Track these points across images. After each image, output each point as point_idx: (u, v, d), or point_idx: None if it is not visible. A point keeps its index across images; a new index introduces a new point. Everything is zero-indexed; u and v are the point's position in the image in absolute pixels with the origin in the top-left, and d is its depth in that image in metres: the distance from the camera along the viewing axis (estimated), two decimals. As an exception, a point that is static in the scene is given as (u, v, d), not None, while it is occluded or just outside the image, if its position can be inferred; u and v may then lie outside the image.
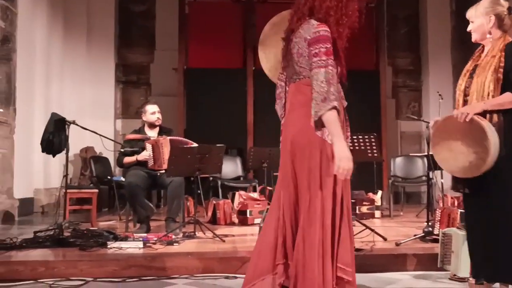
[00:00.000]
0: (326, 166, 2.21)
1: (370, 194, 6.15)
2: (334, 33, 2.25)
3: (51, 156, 4.92)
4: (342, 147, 2.16)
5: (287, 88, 2.42)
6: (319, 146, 2.22)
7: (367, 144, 5.10)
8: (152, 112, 4.89)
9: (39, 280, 3.19)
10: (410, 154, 7.45)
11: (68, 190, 4.89)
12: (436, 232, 3.94)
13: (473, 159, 2.51)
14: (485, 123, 2.51)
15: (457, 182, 2.70)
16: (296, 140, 2.28)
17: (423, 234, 4.03)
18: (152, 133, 4.91)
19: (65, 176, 4.67)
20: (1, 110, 6.07)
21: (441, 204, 4.87)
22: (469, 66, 2.73)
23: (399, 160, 7.17)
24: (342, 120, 2.27)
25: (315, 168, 2.22)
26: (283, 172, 2.35)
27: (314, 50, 2.21)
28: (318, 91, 2.17)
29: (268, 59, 2.51)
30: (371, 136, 5.16)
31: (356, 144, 4.95)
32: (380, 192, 6.38)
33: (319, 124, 2.19)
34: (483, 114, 2.55)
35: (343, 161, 2.14)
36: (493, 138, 2.47)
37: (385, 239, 4.11)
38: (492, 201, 2.56)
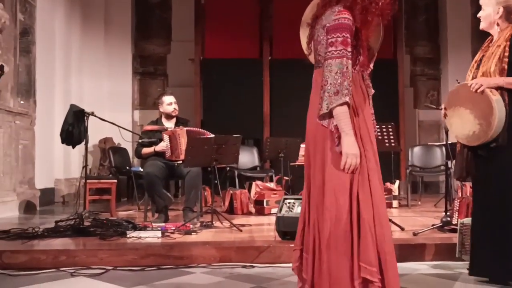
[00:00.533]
0: (337, 159, 2.13)
1: (388, 184, 6.12)
2: (359, 22, 2.15)
3: (71, 147, 5.00)
4: (350, 143, 2.10)
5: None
6: (329, 138, 2.16)
7: (385, 133, 5.07)
8: (168, 103, 4.93)
9: (60, 269, 3.26)
10: (429, 144, 7.38)
11: (87, 181, 4.97)
12: (454, 222, 3.91)
13: (477, 130, 2.59)
14: (495, 97, 2.52)
15: (461, 171, 2.75)
16: (310, 130, 2.26)
17: (441, 224, 4.00)
18: (169, 124, 4.94)
19: (85, 166, 4.75)
20: (22, 102, 6.17)
21: (459, 194, 4.82)
22: (477, 57, 2.75)
23: (417, 149, 7.10)
24: (367, 111, 2.23)
25: (327, 160, 2.16)
26: (305, 161, 2.35)
27: (331, 39, 2.11)
28: (331, 83, 2.09)
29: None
30: (389, 126, 5.12)
31: (373, 133, 4.92)
32: (397, 182, 6.34)
33: (326, 115, 2.13)
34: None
35: (350, 157, 2.10)
36: (499, 114, 2.51)
37: (402, 229, 4.09)
38: (495, 191, 2.60)
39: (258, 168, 7.14)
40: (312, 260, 2.18)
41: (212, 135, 4.59)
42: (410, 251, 3.50)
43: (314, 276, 2.17)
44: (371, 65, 2.32)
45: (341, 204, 2.10)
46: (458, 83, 4.98)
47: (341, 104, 2.08)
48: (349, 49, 2.11)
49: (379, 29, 2.31)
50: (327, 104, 2.10)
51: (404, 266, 3.30)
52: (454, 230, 3.70)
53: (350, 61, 2.11)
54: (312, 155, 2.27)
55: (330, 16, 2.16)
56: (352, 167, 2.10)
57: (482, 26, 2.75)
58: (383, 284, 2.07)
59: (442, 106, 2.95)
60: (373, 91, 2.32)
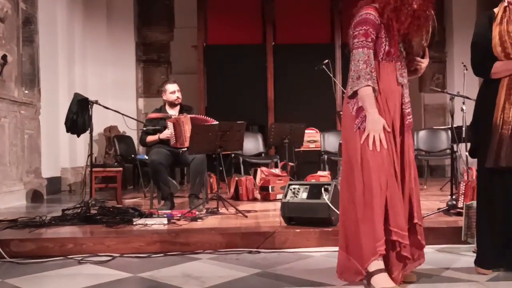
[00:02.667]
0: (351, 140, 2.44)
1: (393, 168, 6.09)
2: (387, 19, 2.39)
3: (76, 136, 5.01)
4: (372, 118, 2.36)
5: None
6: (352, 119, 2.44)
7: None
8: (171, 91, 4.91)
9: (68, 256, 3.29)
10: (434, 127, 7.34)
11: (93, 169, 5.00)
12: (460, 205, 3.90)
13: None
14: None
15: (498, 157, 2.55)
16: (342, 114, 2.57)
17: (447, 207, 3.99)
18: (173, 112, 4.94)
19: (90, 155, 4.77)
20: (26, 91, 6.18)
21: (465, 177, 4.80)
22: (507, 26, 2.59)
23: (422, 133, 7.07)
24: (392, 99, 2.46)
25: (350, 138, 2.45)
26: None
27: (355, 32, 2.41)
28: (354, 70, 2.39)
29: None
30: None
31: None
32: (403, 166, 6.31)
33: (351, 100, 2.45)
34: None
35: (372, 131, 2.36)
36: None
37: (408, 213, 4.08)
38: None
39: (263, 154, 7.14)
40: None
41: (216, 122, 4.59)
42: (415, 235, 3.50)
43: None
44: (423, 60, 2.63)
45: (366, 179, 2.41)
46: (464, 66, 4.95)
47: (364, 86, 2.35)
48: (370, 40, 2.39)
49: (421, 33, 2.51)
50: (351, 88, 2.42)
51: (410, 250, 3.30)
52: (460, 214, 3.70)
53: (371, 51, 2.39)
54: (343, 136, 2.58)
55: (358, 14, 2.45)
56: (375, 140, 2.36)
57: None
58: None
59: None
60: (405, 80, 2.53)
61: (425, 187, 6.51)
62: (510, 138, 2.56)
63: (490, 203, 2.65)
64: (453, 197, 4.08)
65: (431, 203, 4.78)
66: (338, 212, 2.71)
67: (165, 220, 3.86)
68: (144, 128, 4.96)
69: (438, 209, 4.02)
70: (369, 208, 2.33)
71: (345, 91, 2.56)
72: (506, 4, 2.65)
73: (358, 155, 2.39)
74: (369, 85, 2.34)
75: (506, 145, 2.54)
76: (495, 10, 2.69)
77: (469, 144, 3.04)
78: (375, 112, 2.36)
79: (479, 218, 2.72)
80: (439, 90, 5.28)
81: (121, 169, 5.79)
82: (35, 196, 6.12)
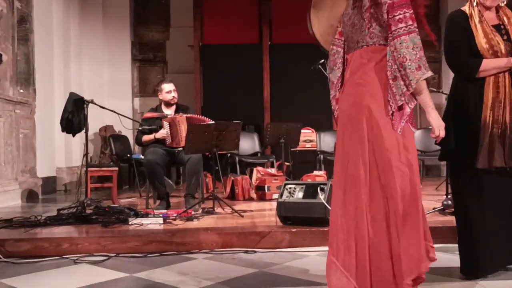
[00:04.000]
0: (382, 140, 2.13)
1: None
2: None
3: (71, 135, 5.00)
4: (437, 116, 2.21)
5: (346, 56, 2.31)
6: (377, 120, 2.12)
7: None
8: (167, 91, 4.90)
9: (63, 256, 3.28)
10: (430, 127, 7.36)
11: (89, 169, 4.98)
12: (455, 205, 3.91)
13: None
14: None
15: (492, 157, 2.49)
16: (350, 113, 2.17)
17: (442, 207, 4.01)
18: (169, 111, 4.93)
19: (86, 154, 4.76)
20: (21, 90, 6.16)
21: (460, 177, 4.81)
22: (486, 25, 2.57)
23: (418, 133, 7.07)
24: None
25: (388, 137, 2.13)
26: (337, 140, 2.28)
27: (399, 16, 2.09)
28: (410, 59, 2.07)
29: (321, 23, 2.41)
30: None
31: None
32: (399, 166, 6.33)
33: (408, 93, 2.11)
34: None
35: (441, 130, 2.23)
36: None
37: (403, 212, 4.09)
38: None
39: (259, 154, 7.14)
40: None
41: (212, 122, 4.58)
42: (411, 234, 3.51)
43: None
44: None
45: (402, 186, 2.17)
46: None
47: (429, 77, 2.11)
48: (416, 24, 2.12)
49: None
50: (410, 80, 2.08)
51: (405, 250, 3.31)
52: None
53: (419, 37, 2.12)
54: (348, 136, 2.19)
55: None
56: (439, 139, 2.24)
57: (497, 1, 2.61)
58: None
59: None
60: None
61: (421, 186, 6.52)
62: (502, 137, 2.51)
63: (477, 208, 2.56)
64: (449, 196, 4.10)
65: (427, 202, 4.79)
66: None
67: (161, 220, 3.86)
68: (140, 128, 4.95)
69: (434, 208, 4.04)
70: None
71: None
72: (475, 3, 2.61)
73: (403, 156, 2.14)
74: (431, 74, 2.10)
75: (498, 145, 2.50)
76: (465, 9, 2.65)
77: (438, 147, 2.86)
78: (435, 108, 2.18)
79: (463, 224, 2.63)
80: (435, 90, 5.29)
81: (116, 168, 5.78)
82: (30, 196, 6.10)
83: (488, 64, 2.54)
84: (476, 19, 2.59)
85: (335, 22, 2.36)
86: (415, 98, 2.16)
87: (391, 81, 2.11)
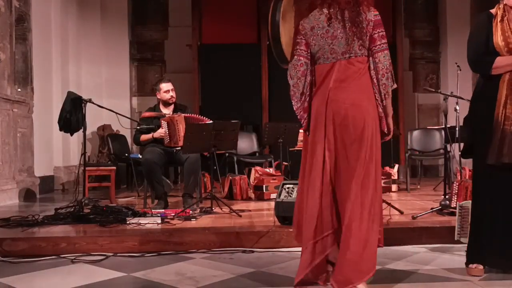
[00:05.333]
0: (377, 138, 2.41)
1: (387, 168, 6.13)
2: None
3: (69, 134, 4.99)
4: (392, 122, 2.48)
5: (314, 67, 2.50)
6: (373, 119, 2.40)
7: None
8: (165, 91, 4.89)
9: (61, 256, 3.27)
10: (428, 127, 7.37)
11: (87, 168, 4.98)
12: (453, 205, 3.92)
13: None
14: None
15: (501, 154, 2.53)
16: (352, 114, 2.38)
17: (440, 207, 4.01)
18: (167, 111, 4.92)
19: (83, 154, 4.75)
20: (19, 89, 6.14)
21: (458, 177, 4.83)
22: (506, 25, 2.61)
23: (416, 133, 7.09)
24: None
25: (370, 138, 2.37)
26: (327, 143, 2.41)
27: (381, 33, 2.42)
28: (391, 71, 2.42)
29: (285, 33, 2.52)
30: (388, 110, 5.09)
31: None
32: (397, 166, 6.35)
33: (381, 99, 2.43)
34: None
35: (391, 135, 2.49)
36: None
37: (401, 212, 4.11)
38: None
39: (257, 154, 7.13)
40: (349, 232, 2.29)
41: (211, 121, 4.58)
42: (409, 234, 3.52)
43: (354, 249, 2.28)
44: None
45: (379, 177, 2.42)
46: (458, 66, 4.97)
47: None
48: None
49: None
50: (390, 87, 2.42)
51: (404, 249, 3.32)
52: (453, 213, 3.72)
53: None
54: (347, 137, 2.39)
55: (369, 12, 2.41)
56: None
57: None
58: None
59: None
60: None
61: (418, 187, 6.54)
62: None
63: (491, 202, 2.62)
64: (446, 197, 4.11)
65: (425, 202, 4.80)
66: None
67: (158, 220, 3.85)
68: (138, 127, 4.94)
69: (432, 208, 4.04)
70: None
71: None
72: (503, 4, 2.67)
73: (379, 156, 2.43)
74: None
75: (508, 141, 2.53)
76: (492, 11, 2.71)
77: (462, 145, 3.00)
78: None
79: (477, 216, 2.68)
80: (433, 90, 5.31)
81: (114, 168, 5.77)
82: (27, 195, 6.09)
83: (502, 61, 2.59)
84: (498, 18, 2.65)
85: (292, 34, 2.54)
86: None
87: (374, 87, 2.43)
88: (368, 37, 2.41)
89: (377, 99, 2.42)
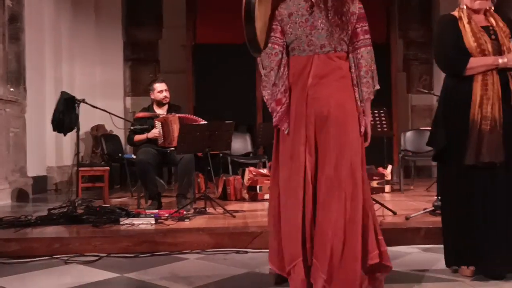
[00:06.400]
0: (360, 140, 2.27)
1: (381, 169, 6.15)
2: None
3: (62, 134, 4.97)
4: (369, 128, 2.34)
5: (284, 56, 2.30)
6: (357, 121, 2.26)
7: (377, 118, 5.07)
8: (159, 91, 4.89)
9: (54, 256, 3.26)
10: (421, 128, 7.40)
11: (80, 168, 4.96)
12: (446, 206, 3.93)
13: None
14: None
15: (480, 153, 2.53)
16: (336, 115, 2.21)
17: (433, 208, 4.03)
18: (161, 111, 4.92)
19: (77, 154, 4.73)
20: (12, 89, 6.11)
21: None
22: (474, 26, 2.64)
23: (409, 134, 7.12)
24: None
25: (355, 141, 2.23)
26: (308, 147, 2.24)
27: (365, 27, 2.24)
28: (374, 68, 2.26)
29: (260, 17, 2.21)
30: (381, 111, 5.12)
31: (365, 118, 4.93)
32: (390, 167, 6.37)
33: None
34: None
35: (369, 141, 2.33)
36: None
37: (394, 213, 4.12)
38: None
39: (251, 154, 7.13)
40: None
41: (205, 122, 4.57)
42: (402, 235, 3.53)
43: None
44: None
45: (366, 181, 2.28)
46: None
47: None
48: None
49: None
50: (374, 85, 2.27)
51: (396, 250, 3.33)
52: (445, 214, 3.73)
53: None
54: (330, 138, 2.21)
55: (354, 4, 2.24)
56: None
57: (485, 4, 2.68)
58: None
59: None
60: None
61: (412, 187, 6.57)
62: (491, 133, 2.55)
63: (468, 202, 2.60)
64: (439, 197, 4.12)
65: (418, 203, 4.82)
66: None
67: (152, 220, 3.85)
68: (132, 127, 4.93)
69: (425, 209, 4.06)
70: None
71: None
72: (464, 7, 2.69)
73: (361, 159, 2.23)
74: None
75: (487, 141, 2.54)
76: (455, 13, 2.73)
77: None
78: None
79: (453, 218, 2.66)
80: (426, 91, 5.35)
81: (108, 168, 5.76)
82: (20, 195, 6.05)
83: (476, 62, 2.61)
84: (465, 20, 2.67)
85: (267, 19, 2.30)
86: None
87: (355, 87, 2.25)
88: (350, 31, 2.22)
89: (356, 98, 2.24)
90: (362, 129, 2.26)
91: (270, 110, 2.35)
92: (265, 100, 2.36)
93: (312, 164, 2.21)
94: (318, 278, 2.12)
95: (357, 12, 2.23)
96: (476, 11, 2.68)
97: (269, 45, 2.29)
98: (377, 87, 2.28)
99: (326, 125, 2.21)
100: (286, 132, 2.30)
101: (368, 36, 2.24)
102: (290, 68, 2.30)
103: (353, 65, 2.25)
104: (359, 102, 2.24)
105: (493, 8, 2.71)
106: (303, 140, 2.23)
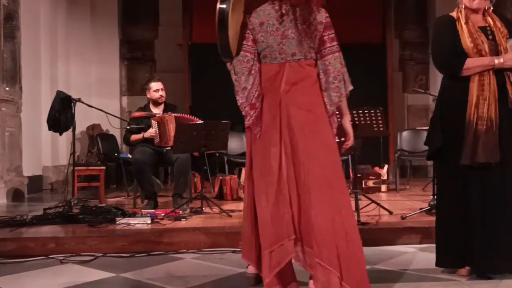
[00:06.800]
0: (335, 141, 2.37)
1: (377, 168, 6.16)
2: None
3: (58, 134, 4.95)
4: (349, 124, 2.48)
5: (256, 62, 2.39)
6: (329, 124, 2.36)
7: (373, 118, 5.05)
8: (155, 90, 4.88)
9: (49, 256, 3.25)
10: (417, 128, 7.42)
11: (76, 168, 4.94)
12: (442, 205, 3.94)
13: None
14: None
15: (475, 154, 2.53)
16: (308, 119, 2.30)
17: (429, 207, 4.04)
18: (157, 110, 4.91)
19: (73, 153, 4.71)
20: (7, 88, 6.08)
21: (447, 178, 4.86)
22: (471, 26, 2.65)
23: (405, 133, 7.14)
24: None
25: (332, 143, 2.33)
26: (284, 148, 2.29)
27: (331, 35, 2.34)
28: (343, 73, 2.35)
29: (232, 26, 2.29)
30: (377, 111, 5.11)
31: (362, 118, 4.92)
32: (386, 166, 6.39)
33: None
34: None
35: (351, 140, 2.48)
36: None
37: (390, 212, 4.13)
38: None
39: (247, 154, 7.12)
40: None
41: (201, 121, 4.57)
42: (398, 234, 3.54)
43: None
44: None
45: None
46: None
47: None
48: None
49: None
50: (346, 88, 2.36)
51: (392, 249, 3.34)
52: (441, 214, 3.74)
53: None
54: (307, 141, 2.27)
55: (320, 13, 2.33)
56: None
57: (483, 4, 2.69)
58: None
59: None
60: None
61: (408, 187, 6.59)
62: (486, 133, 2.56)
63: (464, 202, 2.61)
64: (435, 197, 4.13)
65: (414, 203, 4.84)
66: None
67: (148, 220, 3.84)
68: (128, 127, 4.92)
69: (421, 209, 4.07)
70: None
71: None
72: (462, 8, 2.70)
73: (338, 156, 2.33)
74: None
75: (482, 141, 2.55)
76: (453, 14, 2.74)
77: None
78: None
79: (449, 217, 2.66)
80: (422, 91, 5.35)
81: (104, 167, 5.74)
82: (16, 195, 6.03)
83: (472, 62, 2.62)
84: (463, 21, 2.68)
85: (238, 28, 2.39)
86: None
87: (323, 93, 2.34)
88: (318, 39, 2.32)
89: (326, 103, 2.33)
90: (334, 130, 2.40)
91: (243, 113, 2.43)
92: (238, 104, 2.44)
93: (288, 165, 2.27)
94: (316, 265, 2.18)
95: (324, 21, 2.33)
96: (475, 11, 2.69)
97: (241, 52, 2.39)
98: (350, 88, 2.37)
99: (301, 128, 2.28)
100: (258, 136, 2.39)
101: (335, 43, 2.34)
102: (262, 74, 2.39)
103: (321, 71, 2.34)
104: (328, 107, 2.35)
105: (491, 8, 2.72)
106: (276, 142, 2.30)
